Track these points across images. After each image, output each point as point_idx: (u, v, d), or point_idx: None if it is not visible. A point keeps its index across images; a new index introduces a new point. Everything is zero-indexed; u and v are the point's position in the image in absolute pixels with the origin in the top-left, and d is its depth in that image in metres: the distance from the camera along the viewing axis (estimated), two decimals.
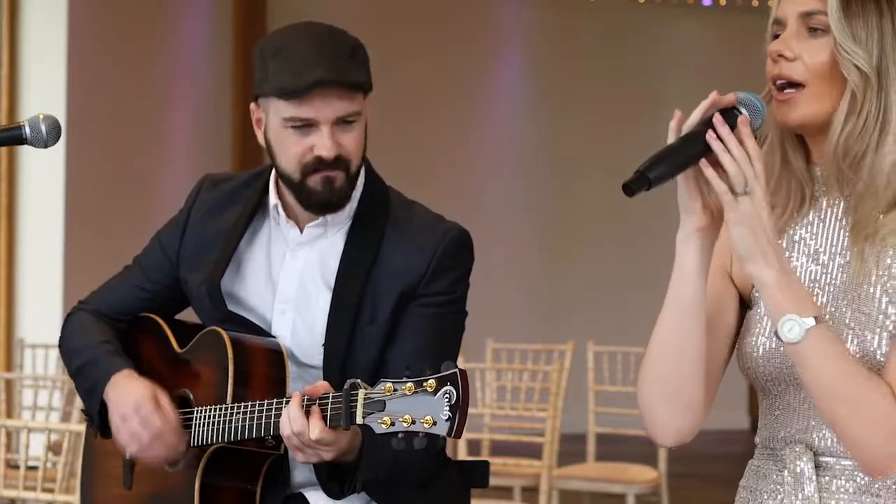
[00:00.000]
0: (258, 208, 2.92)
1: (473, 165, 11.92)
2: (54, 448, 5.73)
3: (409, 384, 2.39)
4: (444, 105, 11.74)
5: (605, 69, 12.20)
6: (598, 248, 12.23)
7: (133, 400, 2.80)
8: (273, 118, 2.79)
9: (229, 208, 2.95)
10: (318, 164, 2.76)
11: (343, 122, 2.76)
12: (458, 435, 2.37)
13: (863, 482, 2.14)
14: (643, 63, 12.29)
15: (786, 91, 2.16)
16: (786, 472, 2.17)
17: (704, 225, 2.10)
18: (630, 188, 2.01)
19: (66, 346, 3.02)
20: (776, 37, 2.20)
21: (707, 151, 2.06)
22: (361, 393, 2.45)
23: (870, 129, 2.13)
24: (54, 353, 7.09)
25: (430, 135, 11.63)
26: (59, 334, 3.06)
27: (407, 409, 2.38)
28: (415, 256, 2.83)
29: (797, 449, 2.16)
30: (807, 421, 2.17)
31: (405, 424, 2.37)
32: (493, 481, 3.06)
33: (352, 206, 2.87)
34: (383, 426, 2.40)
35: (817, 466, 2.16)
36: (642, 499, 6.66)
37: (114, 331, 3.00)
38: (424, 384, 2.38)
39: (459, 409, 2.36)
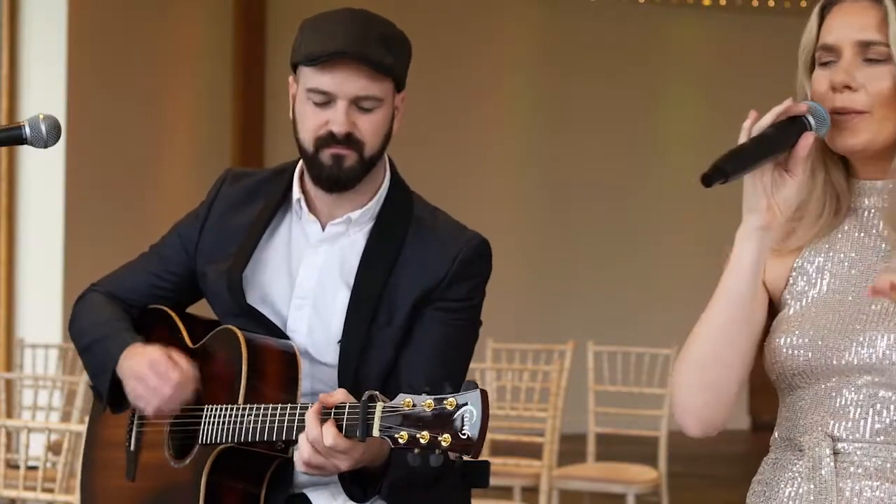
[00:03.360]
0: (281, 203, 2.93)
1: (474, 164, 11.92)
2: (54, 448, 5.73)
3: (428, 401, 2.36)
4: (443, 104, 11.74)
5: (606, 69, 12.20)
6: (599, 249, 12.23)
7: (147, 360, 2.80)
8: (300, 88, 2.82)
9: (251, 203, 2.96)
10: (331, 138, 2.77)
11: (362, 103, 2.77)
12: (476, 455, 2.34)
13: (880, 467, 2.19)
14: (643, 63, 12.29)
15: (849, 115, 2.22)
16: (805, 459, 2.22)
17: (766, 223, 2.20)
18: (709, 178, 2.12)
19: (77, 324, 3.01)
20: (825, 63, 2.25)
21: (777, 153, 2.17)
22: (379, 406, 2.43)
23: None
24: (54, 353, 7.09)
25: (430, 134, 11.63)
26: (65, 321, 3.04)
27: (425, 425, 2.35)
28: (434, 261, 2.83)
29: (816, 436, 2.22)
30: (830, 409, 2.23)
31: (423, 441, 2.35)
32: (493, 481, 3.06)
33: (375, 207, 2.88)
34: (400, 441, 2.37)
35: (835, 453, 2.21)
36: (642, 499, 6.66)
37: (126, 310, 3.00)
38: (444, 402, 2.35)
39: (479, 430, 2.33)
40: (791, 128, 2.19)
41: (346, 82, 2.75)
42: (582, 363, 6.95)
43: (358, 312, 2.82)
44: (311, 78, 2.78)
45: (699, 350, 2.24)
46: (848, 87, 2.21)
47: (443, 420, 2.35)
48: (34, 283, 8.45)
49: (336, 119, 2.76)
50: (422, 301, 2.82)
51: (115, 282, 3.05)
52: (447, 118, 11.81)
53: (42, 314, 8.34)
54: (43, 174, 8.38)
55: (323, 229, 2.89)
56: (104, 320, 2.96)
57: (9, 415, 6.10)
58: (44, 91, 8.33)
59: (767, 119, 2.18)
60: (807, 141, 2.18)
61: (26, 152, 8.18)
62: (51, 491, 3.97)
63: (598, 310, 11.94)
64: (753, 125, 2.17)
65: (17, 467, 5.14)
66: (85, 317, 3.01)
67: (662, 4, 12.40)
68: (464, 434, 2.33)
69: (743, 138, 2.17)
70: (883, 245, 2.26)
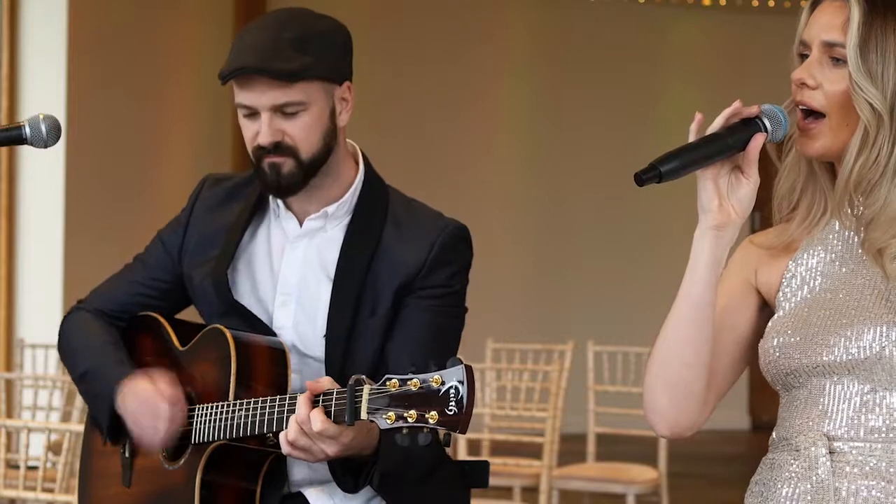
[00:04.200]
0: (259, 203, 2.95)
1: (473, 163, 11.92)
2: (54, 448, 5.73)
3: (414, 380, 2.38)
4: (443, 104, 11.74)
5: (605, 69, 12.20)
6: (599, 248, 12.23)
7: (138, 401, 2.81)
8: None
9: (231, 204, 2.98)
10: (262, 150, 2.81)
11: (285, 109, 2.78)
12: (464, 430, 2.36)
13: (876, 466, 2.18)
14: (643, 62, 12.29)
15: (807, 120, 2.23)
16: (801, 459, 2.21)
17: (720, 223, 2.20)
18: (640, 178, 2.12)
19: (67, 349, 3.02)
20: (802, 56, 2.26)
21: (722, 154, 2.16)
22: (366, 389, 2.44)
23: (882, 164, 2.20)
24: (54, 353, 7.08)
25: (430, 134, 11.63)
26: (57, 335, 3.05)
27: (412, 404, 2.37)
28: (413, 250, 2.84)
29: (811, 435, 2.21)
30: (824, 408, 2.22)
31: (410, 420, 2.36)
32: (493, 481, 3.06)
33: (351, 200, 2.89)
34: (388, 422, 2.38)
35: (831, 452, 2.20)
36: (642, 499, 6.66)
37: (114, 330, 3.01)
38: (430, 380, 2.37)
39: (465, 405, 2.35)
40: (743, 130, 2.18)
41: (260, 95, 2.77)
42: (582, 363, 6.95)
43: (341, 305, 2.83)
44: (236, 94, 2.81)
45: (662, 349, 2.25)
46: (805, 84, 2.22)
47: (429, 397, 2.36)
48: (34, 283, 8.45)
49: (261, 131, 2.79)
50: (404, 289, 2.83)
51: (102, 296, 3.06)
52: (447, 117, 11.81)
53: (42, 314, 8.34)
54: (43, 174, 8.39)
55: (301, 225, 2.90)
56: (94, 345, 2.96)
57: (9, 415, 6.10)
58: (44, 90, 8.33)
59: (718, 122, 2.18)
60: (757, 142, 2.18)
61: (26, 152, 8.19)
62: (51, 491, 3.97)
63: (598, 310, 11.94)
64: (699, 128, 2.17)
65: (17, 467, 5.14)
66: (75, 341, 3.01)
67: (662, 4, 12.40)
68: (450, 409, 2.35)
69: (691, 140, 2.17)
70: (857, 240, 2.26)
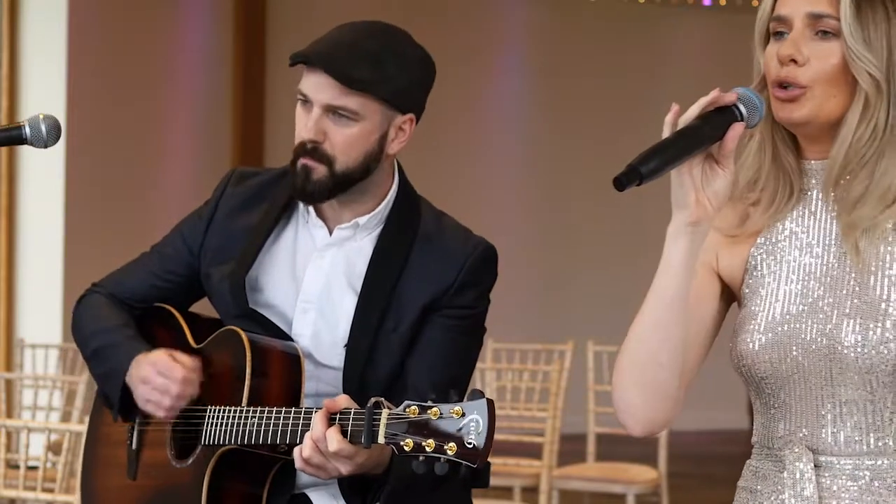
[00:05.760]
0: (286, 206, 2.92)
1: (473, 164, 11.92)
2: (54, 448, 5.73)
3: (434, 409, 2.36)
4: (444, 104, 11.73)
5: (606, 69, 12.21)
6: (599, 248, 12.24)
7: (150, 363, 2.79)
8: None
9: (257, 204, 2.94)
10: (302, 148, 2.77)
11: (337, 113, 2.75)
12: (481, 465, 2.34)
13: (864, 482, 2.13)
14: (643, 63, 12.30)
15: (789, 90, 2.15)
16: (785, 474, 2.16)
17: (696, 219, 2.09)
18: (621, 182, 1.99)
19: (81, 328, 3.00)
20: (777, 34, 2.19)
21: (701, 147, 2.06)
22: (385, 413, 2.42)
23: (878, 135, 2.14)
24: (54, 353, 7.10)
25: (429, 133, 11.63)
26: (65, 321, 3.05)
27: (431, 433, 2.35)
28: (443, 268, 2.82)
29: (796, 450, 2.15)
30: (804, 419, 2.16)
31: (428, 449, 2.35)
32: (493, 481, 3.05)
33: (383, 212, 2.87)
34: (406, 448, 2.37)
35: (817, 466, 2.15)
36: (642, 499, 6.66)
37: (128, 315, 2.99)
38: (451, 411, 2.35)
39: (485, 440, 2.33)
40: (719, 119, 2.08)
41: (318, 89, 2.75)
42: (582, 363, 6.95)
43: (365, 318, 2.81)
44: (301, 79, 2.79)
45: (634, 350, 2.15)
46: (793, 61, 2.14)
47: (449, 428, 2.35)
48: (34, 283, 8.45)
49: (307, 124, 2.76)
50: (429, 308, 2.81)
51: (116, 282, 3.04)
52: (447, 118, 11.81)
53: (42, 314, 8.34)
54: (43, 174, 8.39)
55: (330, 234, 2.88)
56: (111, 326, 2.94)
57: (9, 415, 6.11)
58: (44, 90, 8.34)
59: (693, 111, 2.07)
60: (735, 132, 2.08)
61: (26, 152, 8.19)
62: (51, 491, 3.97)
63: (598, 310, 11.93)
64: (676, 119, 2.06)
65: (17, 467, 5.14)
66: (90, 321, 2.99)
67: (662, 4, 12.41)
68: (470, 443, 2.33)
69: (666, 133, 2.05)
70: (833, 227, 2.18)
